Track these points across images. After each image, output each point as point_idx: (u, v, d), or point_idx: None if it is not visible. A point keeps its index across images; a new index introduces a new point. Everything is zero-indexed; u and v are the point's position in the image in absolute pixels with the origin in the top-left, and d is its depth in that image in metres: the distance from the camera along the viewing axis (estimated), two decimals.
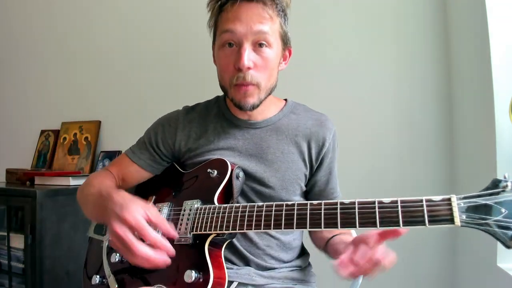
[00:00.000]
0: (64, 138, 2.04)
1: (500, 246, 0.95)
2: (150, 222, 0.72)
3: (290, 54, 0.95)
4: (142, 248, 0.68)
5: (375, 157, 1.43)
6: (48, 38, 2.17)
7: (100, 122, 1.98)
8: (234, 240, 0.90)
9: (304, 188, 0.97)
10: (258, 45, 0.84)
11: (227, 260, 0.90)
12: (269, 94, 0.91)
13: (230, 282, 0.87)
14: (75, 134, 2.01)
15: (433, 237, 1.35)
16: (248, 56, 0.83)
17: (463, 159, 1.26)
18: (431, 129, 1.37)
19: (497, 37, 0.97)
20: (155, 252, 0.69)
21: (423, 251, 1.36)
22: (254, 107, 0.88)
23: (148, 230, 0.69)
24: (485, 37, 0.99)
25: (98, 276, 0.90)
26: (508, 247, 0.56)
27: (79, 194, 0.95)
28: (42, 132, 2.14)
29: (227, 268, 0.87)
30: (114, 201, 0.74)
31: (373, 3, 1.46)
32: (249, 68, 0.83)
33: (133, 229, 0.69)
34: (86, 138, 1.97)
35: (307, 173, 0.95)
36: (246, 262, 0.91)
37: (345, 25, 1.49)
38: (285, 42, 0.91)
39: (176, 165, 1.01)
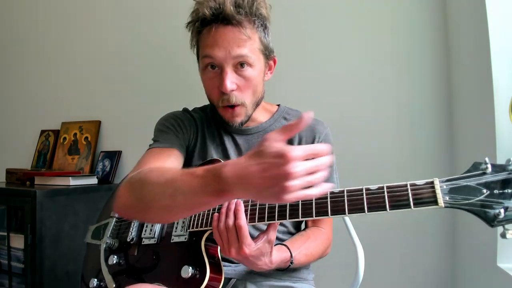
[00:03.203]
0: (64, 138, 2.04)
1: (500, 246, 0.95)
2: None
3: (275, 63, 0.96)
4: (297, 165, 0.54)
5: (375, 157, 1.43)
6: (48, 38, 2.17)
7: (100, 122, 1.98)
8: None
9: None
10: (239, 65, 0.85)
11: (226, 260, 0.91)
12: (257, 105, 0.94)
13: (228, 279, 0.88)
14: (75, 134, 2.01)
15: (433, 237, 1.35)
16: (230, 80, 0.85)
17: (463, 159, 1.26)
18: (430, 129, 1.37)
19: (497, 36, 0.97)
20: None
21: (423, 251, 1.36)
22: (243, 123, 0.92)
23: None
24: (485, 37, 0.99)
25: (95, 280, 0.91)
26: (491, 225, 0.58)
27: (133, 194, 0.73)
28: (42, 132, 2.14)
29: (225, 266, 0.88)
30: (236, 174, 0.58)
31: (372, 2, 1.46)
32: (232, 91, 0.86)
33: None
34: (86, 138, 1.97)
35: None
36: None
37: (345, 24, 1.49)
38: (267, 54, 0.91)
39: None
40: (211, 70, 0.86)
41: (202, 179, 0.61)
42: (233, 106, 0.88)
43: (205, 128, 1.00)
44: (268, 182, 0.54)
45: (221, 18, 0.82)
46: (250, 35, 0.84)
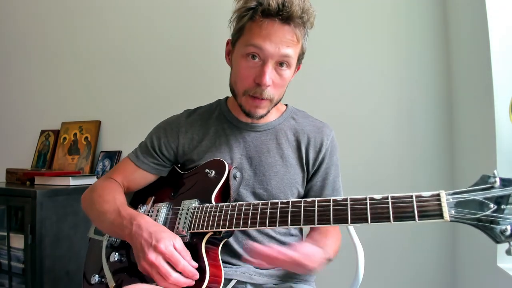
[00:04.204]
0: (64, 138, 2.04)
1: (500, 246, 0.95)
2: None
3: (298, 69, 0.96)
4: (175, 276, 0.74)
5: (375, 158, 1.43)
6: (48, 38, 2.17)
7: (100, 122, 1.98)
8: (235, 244, 0.90)
9: (302, 193, 0.98)
10: (279, 64, 0.86)
11: (228, 263, 0.91)
12: (276, 104, 0.94)
13: (229, 280, 0.88)
14: (75, 134, 2.01)
15: (433, 238, 1.35)
16: (270, 75, 0.85)
17: (463, 159, 1.26)
18: (431, 129, 1.37)
19: (497, 37, 0.97)
20: (184, 278, 0.75)
21: (423, 251, 1.36)
22: (262, 117, 0.92)
23: (180, 260, 0.74)
24: (485, 37, 0.99)
25: (97, 276, 0.91)
26: (497, 242, 0.57)
27: (88, 205, 0.95)
28: (42, 132, 2.14)
29: (226, 267, 0.87)
30: (141, 227, 0.78)
31: (372, 2, 1.46)
32: (268, 86, 0.86)
33: (165, 258, 0.74)
34: (86, 138, 1.97)
35: (305, 177, 0.97)
36: (246, 263, 0.92)
37: (344, 24, 1.49)
38: (300, 60, 0.92)
39: (176, 167, 1.02)
40: (252, 59, 0.86)
41: (120, 219, 0.83)
42: (261, 98, 0.88)
43: (211, 126, 0.99)
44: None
45: (285, 16, 0.82)
46: (299, 39, 0.86)
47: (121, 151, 1.89)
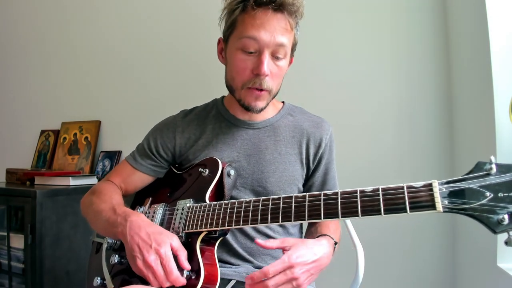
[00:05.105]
0: (64, 138, 2.04)
1: (500, 246, 0.95)
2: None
3: (291, 62, 0.96)
4: (166, 283, 0.74)
5: (375, 156, 1.43)
6: (48, 38, 2.18)
7: (100, 122, 1.98)
8: (235, 243, 0.90)
9: (302, 189, 0.98)
10: (274, 54, 0.86)
11: (227, 262, 0.91)
12: (273, 98, 0.94)
13: (228, 280, 0.88)
14: (75, 134, 2.01)
15: (433, 237, 1.35)
16: (268, 65, 0.85)
17: (463, 159, 1.26)
18: (431, 129, 1.37)
19: (497, 37, 0.97)
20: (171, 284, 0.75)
21: (423, 251, 1.36)
22: (261, 110, 0.92)
23: (174, 271, 0.74)
24: (485, 37, 0.99)
25: (99, 278, 0.91)
26: (494, 232, 0.54)
27: (86, 207, 0.95)
28: (42, 132, 2.14)
29: (225, 267, 0.87)
30: (138, 226, 0.78)
31: (372, 2, 1.45)
32: (267, 75, 0.86)
33: (162, 264, 0.74)
34: (86, 138, 1.97)
35: (304, 174, 0.97)
36: (246, 262, 0.92)
37: (344, 24, 1.49)
38: (292, 52, 0.93)
39: (172, 167, 1.02)
40: (247, 51, 0.85)
41: (115, 217, 0.82)
42: (261, 90, 0.88)
43: (209, 125, 0.99)
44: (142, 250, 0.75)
45: (278, 3, 0.82)
46: (292, 27, 0.86)
47: (121, 151, 1.89)
